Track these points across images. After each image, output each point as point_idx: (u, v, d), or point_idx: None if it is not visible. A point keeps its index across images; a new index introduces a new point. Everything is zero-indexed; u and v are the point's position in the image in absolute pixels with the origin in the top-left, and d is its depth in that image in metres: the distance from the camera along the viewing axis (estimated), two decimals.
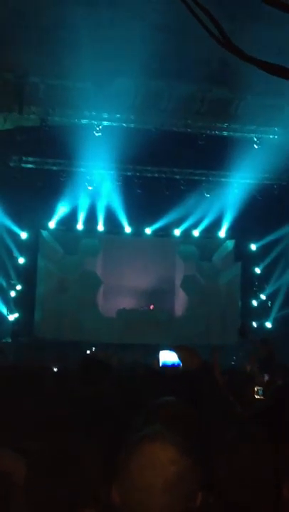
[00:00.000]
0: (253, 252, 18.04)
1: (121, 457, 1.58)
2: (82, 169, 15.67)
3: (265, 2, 3.09)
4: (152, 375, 4.23)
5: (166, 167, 15.91)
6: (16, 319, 16.64)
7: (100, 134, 13.81)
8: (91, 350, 14.35)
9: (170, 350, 4.17)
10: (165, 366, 4.33)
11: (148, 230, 17.54)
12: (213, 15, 3.43)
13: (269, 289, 17.75)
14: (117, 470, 1.57)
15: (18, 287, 16.84)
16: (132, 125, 13.99)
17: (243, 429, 2.16)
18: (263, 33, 10.22)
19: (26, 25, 11.19)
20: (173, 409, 2.38)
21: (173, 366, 4.13)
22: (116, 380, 3.81)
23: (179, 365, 3.86)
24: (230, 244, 18.30)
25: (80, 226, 17.31)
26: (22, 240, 16.94)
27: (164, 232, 17.69)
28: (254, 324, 17.76)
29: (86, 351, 13.72)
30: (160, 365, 4.38)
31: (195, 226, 17.57)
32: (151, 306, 17.77)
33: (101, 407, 2.76)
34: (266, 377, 7.07)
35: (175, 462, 1.52)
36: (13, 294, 16.74)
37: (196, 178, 16.27)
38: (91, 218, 17.10)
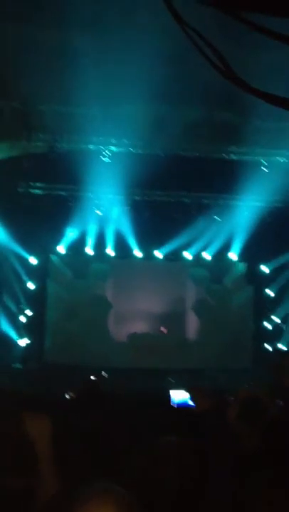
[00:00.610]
0: (265, 274, 17.87)
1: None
2: (90, 194, 15.70)
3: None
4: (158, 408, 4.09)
5: (174, 191, 15.87)
6: (27, 345, 16.58)
7: (107, 159, 13.83)
8: (99, 375, 14.20)
9: (181, 390, 4.05)
10: (179, 406, 4.21)
11: (158, 254, 17.45)
12: (215, 46, 3.34)
13: (282, 311, 17.54)
14: None
15: (28, 312, 16.80)
16: (140, 150, 14.00)
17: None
18: (270, 59, 10.20)
19: (31, 51, 11.27)
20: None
21: (186, 405, 4.01)
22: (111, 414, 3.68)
23: (190, 405, 3.73)
24: (241, 266, 18.15)
25: (89, 250, 17.27)
26: (31, 265, 16.94)
27: (175, 256, 17.58)
28: (267, 347, 17.54)
29: (90, 376, 13.56)
30: (173, 404, 4.25)
31: (205, 249, 17.45)
32: (163, 329, 17.60)
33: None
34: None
35: None
36: (23, 319, 16.70)
37: (206, 201, 16.23)
38: (100, 243, 17.06)
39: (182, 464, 2.09)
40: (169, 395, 4.32)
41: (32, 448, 2.43)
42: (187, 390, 3.40)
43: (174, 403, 4.21)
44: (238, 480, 2.15)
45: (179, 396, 4.22)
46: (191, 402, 3.90)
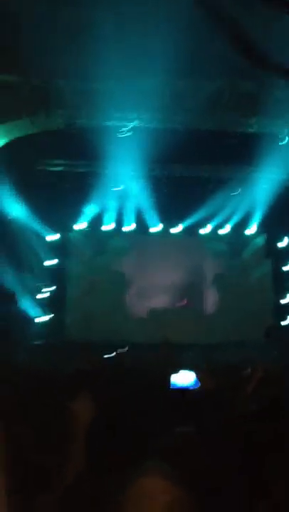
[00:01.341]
0: (284, 247, 17.80)
1: (116, 491, 1.55)
2: (109, 170, 15.63)
3: None
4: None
5: (193, 165, 15.75)
6: (47, 321, 16.73)
7: (127, 134, 13.72)
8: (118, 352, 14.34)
9: (187, 370, 4.02)
10: (176, 388, 4.17)
11: (176, 229, 17.43)
12: (235, 26, 3.34)
13: None
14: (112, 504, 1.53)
15: (48, 289, 16.92)
16: (159, 125, 13.87)
17: None
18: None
19: (50, 28, 11.16)
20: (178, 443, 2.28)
21: (185, 389, 3.98)
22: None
23: (192, 387, 3.71)
24: (260, 240, 18.09)
25: (107, 227, 17.29)
26: (50, 242, 17.01)
27: (193, 231, 17.57)
28: (286, 321, 17.55)
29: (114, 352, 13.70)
30: (171, 386, 4.22)
31: (224, 223, 17.41)
32: (185, 301, 17.66)
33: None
34: None
35: (166, 492, 1.48)
36: (43, 295, 16.84)
37: (225, 175, 16.09)
38: (119, 219, 17.09)
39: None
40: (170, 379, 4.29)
41: (71, 426, 2.46)
42: (192, 371, 3.35)
43: (174, 386, 4.19)
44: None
45: (182, 379, 4.19)
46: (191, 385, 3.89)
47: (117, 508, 1.49)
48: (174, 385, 4.20)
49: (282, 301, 17.73)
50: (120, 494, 1.50)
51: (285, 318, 17.54)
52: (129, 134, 13.57)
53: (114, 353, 13.83)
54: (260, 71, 11.21)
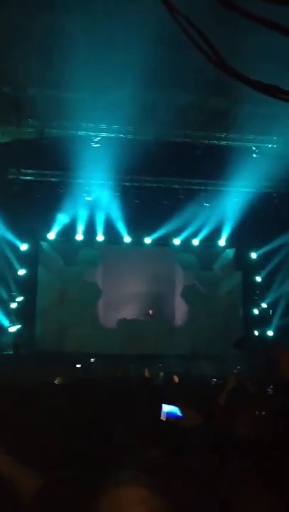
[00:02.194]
0: (254, 260, 18.00)
1: (93, 502, 1.52)
2: (80, 180, 15.68)
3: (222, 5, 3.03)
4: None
5: (164, 177, 15.90)
6: (17, 331, 16.59)
7: (98, 145, 13.82)
8: (86, 364, 14.29)
9: (172, 405, 4.04)
10: (169, 416, 4.21)
11: (147, 240, 17.51)
12: (204, 33, 3.39)
13: (270, 297, 17.69)
14: None
15: (19, 299, 16.80)
16: (130, 136, 13.99)
17: None
18: (260, 43, 10.20)
19: (23, 37, 11.20)
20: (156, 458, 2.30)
21: (175, 416, 3.99)
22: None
23: (180, 416, 3.71)
24: (230, 252, 18.25)
25: (79, 237, 17.28)
26: (22, 252, 16.92)
27: (164, 242, 17.66)
28: (256, 333, 17.69)
29: (78, 365, 13.64)
30: (164, 415, 4.26)
31: (195, 235, 17.53)
32: (150, 312, 17.65)
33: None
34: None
35: (143, 501, 1.46)
36: (13, 305, 16.71)
37: (195, 187, 16.27)
38: (90, 229, 17.07)
39: None
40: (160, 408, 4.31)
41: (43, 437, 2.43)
42: (177, 406, 3.34)
43: (164, 413, 4.22)
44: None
45: (170, 409, 4.21)
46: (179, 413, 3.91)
47: None
48: (168, 412, 4.20)
49: (252, 313, 17.88)
50: (96, 505, 1.48)
51: (254, 330, 17.68)
52: (99, 144, 13.65)
53: (81, 364, 13.80)
54: (232, 86, 11.42)
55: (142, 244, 17.60)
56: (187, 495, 1.97)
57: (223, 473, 2.10)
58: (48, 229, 17.02)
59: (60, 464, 2.46)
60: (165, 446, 2.62)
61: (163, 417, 4.04)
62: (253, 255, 17.95)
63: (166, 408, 4.16)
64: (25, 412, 2.72)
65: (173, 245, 17.83)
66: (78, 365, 13.77)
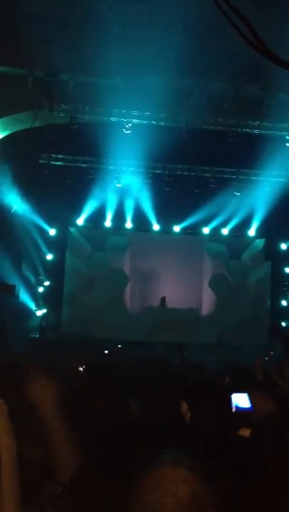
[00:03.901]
0: (284, 251, 17.80)
1: (130, 481, 1.53)
2: (111, 167, 15.65)
3: None
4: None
5: (196, 165, 15.75)
6: (44, 315, 16.78)
7: (129, 131, 13.74)
8: (115, 349, 14.32)
9: (242, 392, 3.91)
10: (238, 411, 4.10)
11: (177, 228, 17.43)
12: (247, 18, 3.29)
13: None
14: (125, 497, 1.50)
15: (47, 283, 16.95)
16: (162, 123, 13.89)
17: None
18: None
19: (57, 23, 11.17)
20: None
21: (246, 411, 3.86)
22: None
23: (251, 409, 3.57)
24: (259, 243, 18.04)
25: (108, 223, 17.30)
26: (50, 237, 17.05)
27: (193, 230, 17.55)
28: (283, 324, 17.53)
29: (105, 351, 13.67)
30: (234, 409, 4.15)
31: (224, 224, 17.39)
32: (164, 297, 17.44)
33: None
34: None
35: (188, 481, 1.45)
36: (41, 289, 16.87)
37: (226, 176, 16.09)
38: (119, 216, 17.07)
39: None
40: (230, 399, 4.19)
41: (39, 416, 2.45)
42: (248, 393, 3.18)
43: (236, 407, 4.10)
44: None
45: (241, 401, 4.06)
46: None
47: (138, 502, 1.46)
48: (237, 406, 4.11)
49: (281, 304, 17.72)
50: (139, 484, 1.48)
51: (281, 321, 17.53)
52: (130, 130, 13.58)
53: (108, 351, 13.86)
54: (267, 74, 11.22)
55: (171, 232, 17.53)
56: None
57: None
58: (77, 214, 17.07)
59: (94, 444, 2.47)
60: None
61: (233, 409, 3.95)
62: (283, 246, 17.74)
63: (236, 399, 4.05)
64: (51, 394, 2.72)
65: (202, 234, 17.71)
66: (106, 351, 13.83)
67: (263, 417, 2.59)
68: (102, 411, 2.85)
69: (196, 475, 1.48)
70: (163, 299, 17.25)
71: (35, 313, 16.75)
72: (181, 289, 17.82)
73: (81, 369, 7.11)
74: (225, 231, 17.61)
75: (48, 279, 17.02)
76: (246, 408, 3.62)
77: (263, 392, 2.71)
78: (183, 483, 1.44)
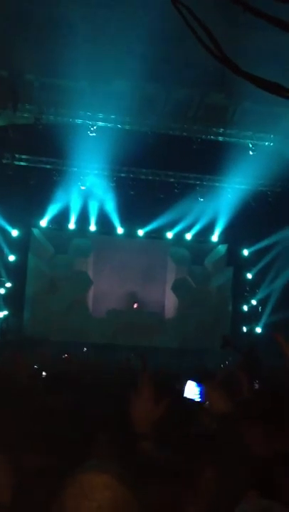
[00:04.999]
0: (245, 257, 18.03)
1: (57, 490, 1.50)
2: (75, 169, 15.59)
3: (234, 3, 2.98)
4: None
5: (160, 170, 15.84)
6: (5, 317, 16.55)
7: (94, 134, 13.74)
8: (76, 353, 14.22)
9: (197, 383, 3.82)
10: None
11: (140, 232, 17.46)
12: (207, 27, 3.32)
13: (260, 294, 17.74)
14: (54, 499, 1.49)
15: (8, 285, 16.74)
16: (127, 127, 13.93)
17: None
18: (264, 41, 10.15)
19: (23, 23, 11.08)
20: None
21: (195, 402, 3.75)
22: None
23: (202, 401, 3.47)
24: (222, 248, 18.24)
25: (71, 225, 17.20)
26: (13, 238, 16.83)
27: (157, 235, 17.62)
28: (244, 329, 17.75)
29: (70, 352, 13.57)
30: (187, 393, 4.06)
31: (188, 229, 17.51)
32: (135, 305, 17.65)
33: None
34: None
35: (110, 488, 1.44)
36: (2, 291, 16.65)
37: (191, 181, 16.23)
38: (83, 218, 17.00)
39: None
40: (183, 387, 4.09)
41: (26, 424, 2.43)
42: (203, 385, 3.03)
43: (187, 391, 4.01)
44: None
45: (192, 391, 3.97)
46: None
47: (60, 507, 1.43)
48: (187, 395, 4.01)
49: (242, 309, 17.94)
50: (62, 491, 1.46)
51: (242, 326, 17.76)
52: (95, 133, 13.57)
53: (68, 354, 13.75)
54: (232, 82, 11.36)
55: (135, 236, 17.55)
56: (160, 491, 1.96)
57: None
58: (41, 216, 16.92)
59: (35, 450, 2.45)
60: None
61: (186, 394, 3.83)
62: (245, 252, 17.97)
63: (188, 390, 3.96)
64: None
65: (166, 239, 17.80)
66: (65, 355, 13.71)
67: (218, 416, 2.60)
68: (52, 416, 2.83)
69: (121, 482, 1.45)
70: (133, 304, 17.41)
71: None
72: (144, 293, 17.86)
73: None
74: (188, 236, 17.74)
75: (10, 281, 16.79)
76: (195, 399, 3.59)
77: (219, 388, 2.66)
78: (104, 490, 1.42)
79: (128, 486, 1.46)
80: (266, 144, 14.48)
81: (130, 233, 17.46)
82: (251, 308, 17.94)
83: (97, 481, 1.44)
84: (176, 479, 2.02)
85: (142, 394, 2.51)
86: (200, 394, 3.79)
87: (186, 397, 3.91)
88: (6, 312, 16.61)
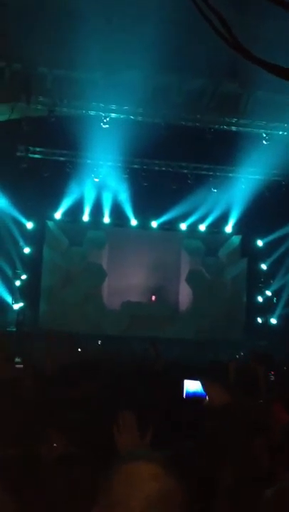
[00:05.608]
0: (260, 247, 17.97)
1: (105, 476, 1.53)
2: (89, 161, 15.62)
3: None
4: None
5: (173, 161, 15.82)
6: (21, 309, 16.68)
7: (107, 126, 13.74)
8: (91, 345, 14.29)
9: (196, 380, 3.89)
10: (188, 396, 4.09)
11: (154, 223, 17.48)
12: (222, 14, 3.32)
13: (275, 285, 17.69)
14: (101, 487, 1.52)
15: (24, 277, 16.86)
16: (140, 118, 13.91)
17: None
18: (277, 28, 10.07)
19: (36, 15, 11.11)
20: None
21: (196, 396, 3.84)
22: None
23: (203, 395, 3.55)
24: (236, 239, 18.20)
25: (86, 218, 17.27)
26: (28, 230, 16.94)
27: (170, 226, 17.62)
28: (259, 320, 17.72)
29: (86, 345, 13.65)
30: (184, 394, 4.15)
31: (201, 221, 17.50)
32: (153, 297, 17.71)
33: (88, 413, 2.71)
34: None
35: (157, 478, 1.46)
36: (18, 283, 16.77)
37: (204, 172, 16.18)
38: (97, 210, 17.06)
39: None
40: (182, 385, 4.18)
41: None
42: (202, 382, 3.13)
43: (187, 393, 4.09)
44: None
45: (192, 386, 4.05)
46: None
47: (106, 494, 1.46)
48: (187, 392, 4.09)
49: (256, 300, 17.91)
50: (106, 480, 1.48)
51: (257, 317, 17.73)
52: (108, 125, 13.57)
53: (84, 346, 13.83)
54: (245, 71, 11.31)
55: (149, 227, 17.58)
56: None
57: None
58: (55, 208, 17.01)
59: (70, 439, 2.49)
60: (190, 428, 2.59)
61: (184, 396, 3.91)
62: (259, 243, 17.91)
63: (189, 385, 4.03)
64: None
65: (179, 230, 17.79)
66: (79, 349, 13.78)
67: (218, 408, 2.63)
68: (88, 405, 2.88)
69: (168, 472, 1.48)
70: (151, 297, 17.45)
71: (11, 307, 16.64)
72: (158, 285, 17.89)
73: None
74: (202, 227, 17.72)
75: (25, 273, 16.90)
76: (197, 394, 3.64)
77: (215, 381, 2.72)
78: (152, 480, 1.45)
79: (174, 476, 1.48)
80: (280, 133, 14.37)
81: (144, 225, 17.49)
82: (266, 299, 17.89)
83: (145, 471, 1.47)
84: None
85: (124, 432, 2.49)
86: (199, 390, 3.84)
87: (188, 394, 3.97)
88: (21, 304, 16.73)
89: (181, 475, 1.52)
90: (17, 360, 6.29)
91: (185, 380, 4.19)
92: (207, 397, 2.91)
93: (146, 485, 1.44)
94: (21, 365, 5.40)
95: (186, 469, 1.80)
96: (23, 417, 2.60)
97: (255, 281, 18.02)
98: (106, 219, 17.29)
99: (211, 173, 16.20)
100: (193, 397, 3.93)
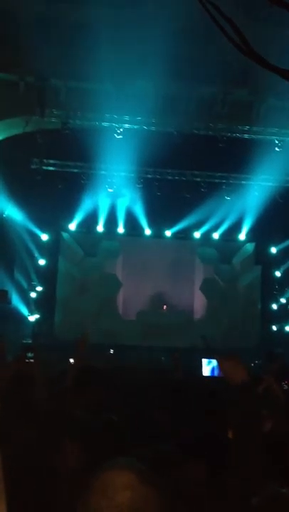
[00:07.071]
0: (274, 255, 17.93)
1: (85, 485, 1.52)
2: (102, 172, 15.74)
3: (272, 2, 3.07)
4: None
5: (186, 170, 15.87)
6: (37, 320, 16.77)
7: (120, 136, 13.86)
8: (107, 353, 14.32)
9: (212, 358, 3.92)
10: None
11: (168, 233, 17.55)
12: (235, 23, 3.40)
13: None
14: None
15: (39, 288, 16.97)
16: (153, 128, 14.01)
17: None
18: (287, 35, 10.17)
19: (48, 28, 11.30)
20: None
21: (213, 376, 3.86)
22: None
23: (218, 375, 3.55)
24: (250, 247, 18.19)
25: (100, 228, 17.38)
26: (43, 242, 17.09)
27: (184, 235, 17.68)
28: (274, 328, 17.64)
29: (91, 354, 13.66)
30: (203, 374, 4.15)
31: (215, 229, 17.53)
32: (164, 307, 17.72)
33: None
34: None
35: (130, 487, 1.44)
36: (33, 295, 16.87)
37: (217, 180, 16.21)
38: (111, 220, 17.17)
39: None
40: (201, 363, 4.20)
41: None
42: (217, 360, 3.12)
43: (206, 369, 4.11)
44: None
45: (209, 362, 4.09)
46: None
47: (84, 505, 1.45)
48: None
49: (271, 307, 17.83)
50: (86, 490, 1.47)
51: (272, 325, 17.64)
52: (122, 136, 13.69)
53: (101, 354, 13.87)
54: (256, 79, 11.39)
55: (162, 236, 17.64)
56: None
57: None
58: (70, 219, 17.15)
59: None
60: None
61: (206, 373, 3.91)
62: (273, 250, 17.88)
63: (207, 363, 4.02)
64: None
65: (193, 238, 17.84)
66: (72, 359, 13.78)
67: (238, 385, 2.63)
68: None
69: (142, 481, 1.45)
70: (162, 306, 17.47)
71: (27, 319, 16.73)
72: (172, 294, 17.91)
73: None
74: (215, 235, 17.75)
75: (41, 284, 17.03)
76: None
77: (232, 360, 2.70)
78: (124, 489, 1.43)
79: (149, 484, 1.45)
80: None
81: (158, 234, 17.56)
82: (280, 306, 17.82)
83: (118, 480, 1.45)
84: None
85: None
86: (212, 370, 3.88)
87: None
88: (37, 316, 16.83)
89: (157, 482, 1.49)
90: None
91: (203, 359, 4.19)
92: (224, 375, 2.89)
93: (119, 494, 1.42)
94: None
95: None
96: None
97: (270, 289, 17.96)
98: (120, 229, 17.39)
99: (224, 181, 16.24)
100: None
